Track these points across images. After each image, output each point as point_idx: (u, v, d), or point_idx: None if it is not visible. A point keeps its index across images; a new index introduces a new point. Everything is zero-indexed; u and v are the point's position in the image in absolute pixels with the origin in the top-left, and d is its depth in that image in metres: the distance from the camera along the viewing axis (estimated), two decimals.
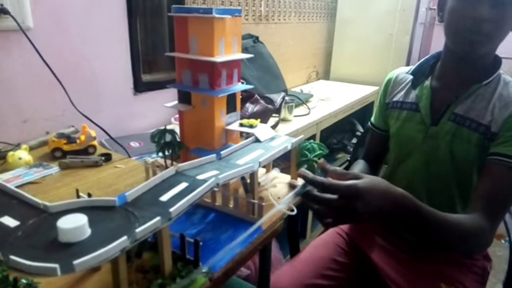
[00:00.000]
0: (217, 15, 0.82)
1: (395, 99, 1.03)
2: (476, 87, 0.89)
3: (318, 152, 0.85)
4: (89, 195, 0.70)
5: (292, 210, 0.73)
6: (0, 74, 1.06)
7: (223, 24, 0.85)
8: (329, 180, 0.63)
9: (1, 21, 1.01)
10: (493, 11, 0.78)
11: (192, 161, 0.70)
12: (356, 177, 0.64)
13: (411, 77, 1.01)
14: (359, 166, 1.07)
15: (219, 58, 0.84)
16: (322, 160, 0.76)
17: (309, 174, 0.65)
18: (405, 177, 1.00)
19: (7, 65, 1.07)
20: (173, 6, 0.87)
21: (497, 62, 0.90)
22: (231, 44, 0.90)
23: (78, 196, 0.71)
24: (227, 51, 0.89)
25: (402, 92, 1.02)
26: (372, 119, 1.13)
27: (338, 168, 0.68)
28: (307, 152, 0.85)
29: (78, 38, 1.23)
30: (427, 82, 0.96)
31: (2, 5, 1.00)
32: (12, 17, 1.01)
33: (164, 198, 0.58)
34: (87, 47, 1.26)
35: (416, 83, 0.99)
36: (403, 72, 1.05)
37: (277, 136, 0.92)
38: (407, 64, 2.64)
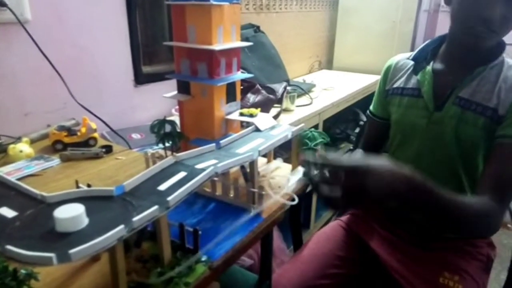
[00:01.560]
0: (214, 3, 0.80)
1: (395, 85, 1.01)
2: (481, 70, 0.87)
3: (319, 140, 0.84)
4: (89, 186, 0.70)
5: (293, 200, 0.73)
6: (1, 67, 1.06)
7: (221, 11, 0.84)
8: (337, 158, 0.61)
9: None
10: (502, 11, 0.76)
11: (191, 151, 0.70)
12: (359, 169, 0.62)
13: (411, 62, 0.99)
14: (357, 155, 1.06)
15: (217, 46, 0.83)
16: (319, 150, 0.74)
17: (314, 157, 0.63)
18: (409, 161, 0.99)
19: (7, 58, 1.06)
20: None
21: (501, 46, 0.89)
22: (229, 32, 0.89)
23: (78, 187, 0.71)
24: (225, 40, 0.88)
25: (403, 78, 1.00)
26: (371, 107, 1.11)
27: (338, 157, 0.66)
28: (308, 141, 0.84)
29: (78, 30, 1.22)
30: (429, 67, 0.94)
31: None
32: (10, 9, 1.00)
33: (163, 187, 0.57)
34: (87, 39, 1.25)
35: (417, 69, 0.97)
36: (404, 57, 1.03)
37: (278, 125, 0.91)
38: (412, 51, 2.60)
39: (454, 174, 0.93)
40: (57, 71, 1.07)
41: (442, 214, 0.68)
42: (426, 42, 1.00)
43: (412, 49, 2.59)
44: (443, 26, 3.11)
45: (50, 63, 1.06)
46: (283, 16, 2.25)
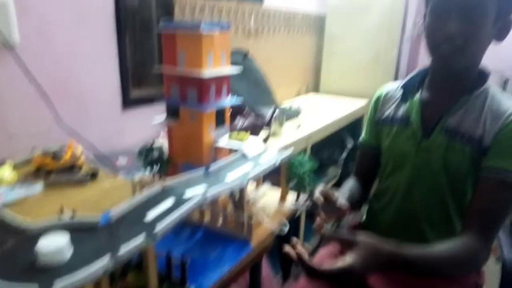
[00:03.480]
0: (205, 31, 0.81)
1: (385, 114, 1.03)
2: (465, 99, 0.89)
3: (308, 166, 0.84)
4: (73, 213, 0.68)
5: (284, 226, 0.72)
6: None
7: (211, 38, 0.85)
8: (322, 268, 0.63)
9: None
10: (462, 26, 0.80)
11: (178, 177, 0.69)
12: (349, 244, 0.67)
13: (400, 92, 1.01)
14: (349, 184, 1.06)
15: (207, 73, 0.84)
16: (318, 222, 0.75)
17: (300, 254, 0.64)
18: (399, 190, 0.99)
19: None
20: (161, 21, 0.87)
21: (484, 74, 0.91)
22: (219, 58, 0.90)
23: (62, 215, 0.69)
24: (215, 66, 0.89)
25: (393, 107, 1.02)
26: (362, 137, 1.12)
27: (332, 234, 0.71)
28: (297, 167, 0.84)
29: (66, 53, 1.21)
30: (417, 96, 0.97)
31: None
32: None
33: (150, 216, 0.56)
34: (75, 62, 1.25)
35: (406, 98, 0.99)
36: (393, 87, 1.06)
37: (266, 151, 0.91)
38: (395, 78, 2.67)
39: (443, 202, 0.94)
40: (44, 94, 1.06)
41: (429, 273, 0.73)
42: (414, 71, 1.03)
43: (396, 76, 2.67)
44: (425, 53, 3.20)
45: (38, 85, 1.05)
46: (271, 41, 2.30)
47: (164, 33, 0.87)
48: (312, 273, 0.63)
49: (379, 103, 1.06)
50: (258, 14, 2.12)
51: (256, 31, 2.13)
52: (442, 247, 0.77)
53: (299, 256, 0.63)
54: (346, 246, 0.68)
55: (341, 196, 0.82)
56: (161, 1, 1.53)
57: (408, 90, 1.00)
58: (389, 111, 1.02)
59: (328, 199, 0.80)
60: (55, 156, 1.01)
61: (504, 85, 2.75)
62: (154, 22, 1.52)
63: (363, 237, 0.68)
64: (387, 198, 1.02)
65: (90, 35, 1.28)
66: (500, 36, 0.85)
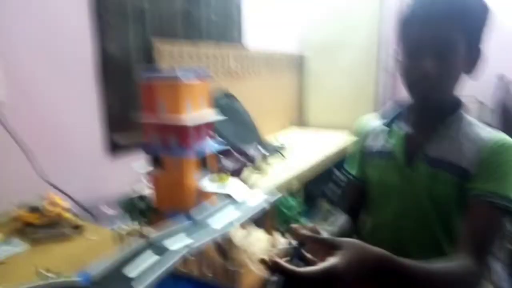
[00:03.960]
0: (184, 79, 0.83)
1: (371, 148, 1.05)
2: (442, 128, 0.92)
3: (296, 209, 0.84)
4: (54, 273, 0.66)
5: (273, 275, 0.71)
6: None
7: (190, 86, 0.87)
8: (302, 270, 0.59)
9: None
10: (436, 63, 0.83)
11: (163, 229, 0.68)
12: (333, 245, 0.61)
13: (381, 124, 1.04)
14: (339, 221, 1.06)
15: (187, 121, 0.85)
16: (295, 225, 0.72)
17: (279, 263, 0.56)
18: (388, 225, 0.99)
19: None
20: (141, 69, 0.89)
21: (458, 102, 0.95)
22: (199, 104, 0.91)
23: (41, 277, 0.67)
24: (196, 111, 0.90)
25: (378, 141, 1.04)
26: (349, 169, 1.13)
27: (314, 235, 0.66)
28: (285, 210, 0.84)
29: (49, 106, 1.22)
30: (398, 127, 0.99)
31: None
32: None
33: (133, 273, 0.55)
34: (58, 114, 1.25)
35: (390, 131, 1.02)
36: (373, 119, 1.08)
37: (252, 194, 0.91)
38: (376, 109, 2.74)
39: (433, 235, 0.94)
40: (27, 151, 1.05)
41: (423, 285, 0.68)
42: (392, 104, 1.06)
43: (376, 108, 2.74)
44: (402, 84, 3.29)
45: (22, 144, 1.04)
46: (253, 81, 2.35)
47: (143, 83, 0.89)
48: (291, 278, 0.55)
49: (365, 138, 1.08)
50: (239, 56, 2.18)
51: (238, 73, 2.18)
52: (438, 264, 0.75)
53: (274, 262, 0.55)
54: (329, 247, 0.60)
55: (327, 232, 0.81)
56: (142, 50, 1.57)
57: (392, 125, 1.03)
58: (375, 146, 1.04)
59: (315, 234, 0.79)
60: (39, 211, 0.98)
61: (480, 108, 2.84)
62: (136, 69, 1.55)
63: (349, 239, 0.63)
64: (377, 237, 1.02)
65: (72, 85, 1.30)
66: (470, 69, 0.89)
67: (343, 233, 0.97)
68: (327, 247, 0.61)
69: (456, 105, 0.94)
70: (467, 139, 0.89)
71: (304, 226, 0.78)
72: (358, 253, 0.60)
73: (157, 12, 1.64)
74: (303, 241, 0.65)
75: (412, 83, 0.89)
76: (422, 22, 0.85)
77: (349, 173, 1.13)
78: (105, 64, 1.40)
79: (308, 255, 0.65)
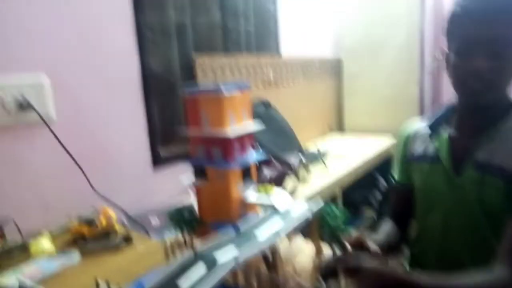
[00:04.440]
0: (226, 94, 0.85)
1: (414, 152, 1.01)
2: (494, 132, 0.87)
3: (341, 218, 0.82)
4: (108, 284, 0.69)
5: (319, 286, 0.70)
6: (24, 166, 1.11)
7: (232, 99, 0.88)
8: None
9: (26, 115, 1.08)
10: (491, 63, 0.79)
11: (210, 241, 0.68)
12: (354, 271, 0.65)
13: (427, 129, 1.00)
14: (385, 227, 1.02)
15: (230, 133, 0.86)
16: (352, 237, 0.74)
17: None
18: (436, 231, 0.95)
19: (30, 156, 1.12)
20: (183, 87, 0.91)
21: (510, 104, 0.89)
22: (241, 116, 0.92)
23: (98, 287, 0.70)
24: (238, 123, 0.91)
25: (422, 145, 1.00)
26: (394, 174, 1.10)
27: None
28: (329, 219, 0.82)
29: (98, 123, 1.29)
30: (445, 133, 0.95)
31: (28, 101, 1.07)
32: (36, 111, 1.08)
33: (183, 285, 0.56)
34: (106, 130, 1.32)
35: (434, 135, 0.98)
36: (419, 125, 1.05)
37: (296, 203, 0.90)
38: (421, 112, 2.64)
39: (484, 240, 0.88)
40: (79, 166, 1.11)
41: None
42: (441, 108, 1.02)
43: (421, 110, 2.63)
44: (449, 88, 3.16)
45: (73, 158, 1.11)
46: (291, 89, 2.35)
47: (187, 98, 0.91)
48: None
49: (407, 141, 1.05)
50: (276, 65, 2.19)
51: (275, 81, 2.19)
52: (472, 278, 0.72)
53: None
54: (350, 275, 0.65)
55: (374, 242, 0.79)
56: (184, 65, 1.62)
57: (435, 127, 0.99)
58: (418, 149, 1.00)
59: (361, 245, 0.77)
60: (90, 223, 1.03)
61: None
62: (178, 84, 1.60)
63: (367, 262, 0.65)
64: (426, 241, 0.98)
65: (120, 102, 1.36)
66: None
67: (389, 242, 0.93)
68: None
69: (508, 107, 0.89)
70: None
71: (350, 238, 0.77)
72: (375, 280, 0.64)
73: (197, 27, 1.68)
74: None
75: (463, 82, 0.85)
76: (476, 20, 0.81)
77: (394, 179, 1.09)
78: (149, 81, 1.46)
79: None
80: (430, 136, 0.99)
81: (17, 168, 1.10)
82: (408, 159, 1.04)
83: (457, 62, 0.86)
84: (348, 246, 0.76)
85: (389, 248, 0.86)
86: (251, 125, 0.95)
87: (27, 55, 1.11)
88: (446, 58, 0.93)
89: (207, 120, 0.89)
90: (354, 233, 0.81)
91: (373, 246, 0.76)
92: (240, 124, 0.92)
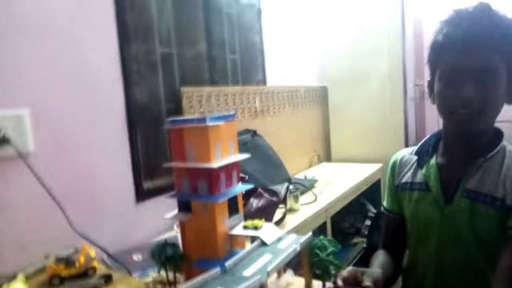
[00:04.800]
0: (210, 124, 0.83)
1: (403, 180, 1.00)
2: (482, 161, 0.87)
3: (331, 249, 0.79)
4: None
5: None
6: None
7: (217, 130, 0.86)
8: None
9: (2, 150, 1.03)
10: (478, 89, 0.79)
11: (192, 281, 0.65)
12: None
13: (415, 157, 1.00)
14: (379, 259, 0.99)
15: (216, 164, 0.83)
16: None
17: None
18: (429, 263, 0.93)
19: (5, 193, 1.06)
20: (168, 119, 0.90)
21: (499, 134, 0.90)
22: (227, 147, 0.91)
23: None
24: (224, 155, 0.89)
25: (409, 173, 0.99)
26: (385, 203, 1.09)
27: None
28: (318, 251, 0.79)
29: (79, 156, 1.25)
30: (433, 161, 0.95)
31: (4, 135, 1.03)
32: (13, 146, 1.04)
33: None
34: (88, 163, 1.28)
35: (421, 163, 0.97)
36: (407, 153, 1.04)
37: (284, 236, 0.87)
38: (406, 140, 2.67)
39: (476, 268, 0.86)
40: (56, 202, 1.06)
41: None
42: (428, 135, 1.02)
43: (406, 138, 2.67)
44: (432, 113, 3.23)
45: (51, 195, 1.06)
46: (277, 118, 2.36)
47: (172, 129, 0.89)
48: None
49: (395, 169, 1.04)
50: (262, 94, 2.20)
51: (262, 112, 2.19)
52: None
53: None
54: None
55: (370, 275, 0.76)
56: (169, 96, 1.61)
57: (422, 155, 0.99)
58: (406, 177, 0.99)
59: (355, 281, 0.74)
60: (68, 262, 0.98)
61: None
62: (163, 115, 1.58)
63: None
64: (420, 272, 0.95)
65: (103, 134, 1.33)
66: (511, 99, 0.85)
67: (386, 275, 0.90)
68: None
69: (497, 137, 0.89)
70: (508, 170, 0.84)
71: (344, 274, 0.74)
72: None
73: (183, 58, 1.69)
74: None
75: (451, 110, 0.85)
76: (460, 50, 0.81)
77: (385, 207, 1.08)
78: (134, 112, 1.44)
79: None
80: (418, 163, 0.99)
81: None
82: (397, 186, 1.02)
83: (442, 90, 0.86)
84: (340, 283, 0.72)
85: (386, 282, 0.83)
86: (237, 156, 0.94)
87: (9, 89, 1.08)
88: (429, 85, 0.93)
89: (192, 151, 0.87)
90: (348, 268, 0.78)
91: (368, 282, 0.73)
92: (226, 155, 0.90)
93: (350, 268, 0.79)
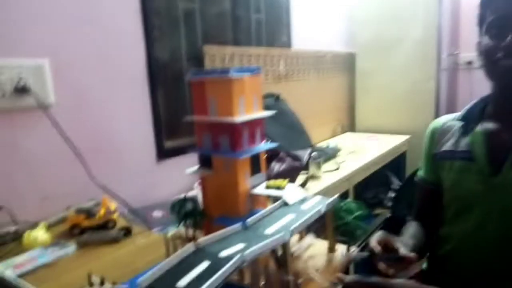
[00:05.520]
0: (235, 76, 0.78)
1: (444, 148, 0.92)
2: None
3: (358, 212, 0.75)
4: (102, 280, 0.62)
5: (336, 284, 0.63)
6: (21, 153, 1.05)
7: (241, 83, 0.81)
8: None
9: (23, 99, 1.02)
10: None
11: (213, 234, 0.62)
12: None
13: (459, 124, 0.92)
14: (411, 230, 0.94)
15: (239, 118, 0.79)
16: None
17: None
18: (466, 235, 0.86)
19: (28, 143, 1.06)
20: (190, 70, 0.85)
21: None
22: (251, 103, 0.86)
23: (90, 283, 0.64)
24: (247, 110, 0.84)
25: (452, 141, 0.91)
26: (420, 172, 1.02)
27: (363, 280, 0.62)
28: (344, 214, 0.75)
29: (100, 110, 1.23)
30: (479, 128, 0.86)
31: (24, 84, 1.01)
32: (34, 95, 1.02)
33: (182, 282, 0.49)
34: (109, 119, 1.26)
35: (467, 130, 0.89)
36: (449, 118, 0.96)
37: (308, 197, 0.83)
38: (436, 111, 2.54)
39: None
40: (77, 154, 1.06)
41: None
42: (474, 101, 0.93)
43: (437, 109, 2.54)
44: (464, 84, 3.08)
45: (72, 146, 1.05)
46: (302, 84, 2.28)
47: (193, 81, 0.85)
48: None
49: (435, 136, 0.96)
50: (287, 57, 2.12)
51: (286, 76, 2.12)
52: None
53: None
54: None
55: (404, 245, 0.71)
56: (191, 54, 1.56)
57: (468, 121, 0.90)
58: (448, 145, 0.91)
59: (388, 248, 0.70)
60: (89, 214, 0.98)
61: None
62: (185, 74, 1.54)
63: (402, 281, 0.59)
64: (452, 245, 0.89)
65: (124, 90, 1.30)
66: None
67: (418, 245, 0.85)
68: None
69: None
70: None
71: (379, 241, 0.70)
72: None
73: (206, 16, 1.62)
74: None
75: (494, 61, 0.77)
76: None
77: (420, 176, 1.01)
78: (155, 69, 1.40)
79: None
80: (463, 130, 0.90)
81: (13, 155, 1.04)
82: (435, 155, 0.95)
83: (488, 43, 0.78)
84: (378, 247, 0.68)
85: (418, 253, 0.78)
86: (261, 112, 0.89)
87: (29, 38, 1.05)
88: (477, 46, 0.85)
89: (214, 105, 0.83)
90: (379, 233, 0.74)
91: (403, 249, 0.69)
92: (250, 111, 0.85)
93: (381, 233, 0.75)
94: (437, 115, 2.53)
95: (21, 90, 1.01)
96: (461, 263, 0.87)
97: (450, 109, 2.71)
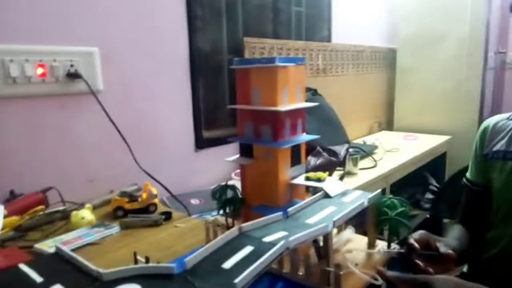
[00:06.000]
0: (280, 64, 0.78)
1: (495, 148, 0.88)
2: None
3: (401, 209, 0.73)
4: (147, 259, 0.65)
5: (376, 279, 0.62)
6: (70, 136, 1.10)
7: (286, 73, 0.81)
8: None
9: (74, 85, 1.07)
10: None
11: (256, 220, 0.62)
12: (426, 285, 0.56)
13: (508, 121, 0.87)
14: (455, 232, 0.91)
15: (282, 107, 0.79)
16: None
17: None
18: None
19: (77, 126, 1.11)
20: (235, 59, 0.86)
21: None
22: (294, 93, 0.86)
23: (136, 261, 0.66)
24: (290, 101, 0.84)
25: (504, 140, 0.87)
26: (468, 174, 0.98)
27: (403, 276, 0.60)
28: (387, 210, 0.74)
29: (144, 98, 1.27)
30: None
31: (76, 70, 1.06)
32: (85, 81, 1.07)
33: (227, 264, 0.50)
34: (152, 107, 1.30)
35: None
36: (502, 118, 0.92)
37: (349, 191, 0.82)
38: (480, 113, 2.43)
39: None
40: (124, 138, 1.09)
41: None
42: None
43: (481, 108, 2.43)
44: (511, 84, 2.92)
45: (118, 131, 1.09)
46: (340, 79, 2.24)
47: (238, 70, 0.86)
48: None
49: (486, 136, 0.92)
50: (326, 51, 2.09)
51: (324, 70, 2.09)
52: None
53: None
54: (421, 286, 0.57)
55: (445, 245, 0.69)
56: (232, 45, 1.57)
57: None
58: (500, 145, 0.87)
59: (428, 246, 0.68)
60: (132, 197, 1.01)
61: None
62: (225, 65, 1.55)
63: (442, 276, 0.58)
64: (498, 249, 0.85)
65: (166, 79, 1.33)
66: None
67: (461, 248, 0.82)
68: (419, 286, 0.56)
69: None
70: None
71: (420, 239, 0.69)
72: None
73: (247, 7, 1.63)
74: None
75: None
76: None
77: (468, 178, 0.97)
78: (197, 59, 1.42)
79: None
80: None
81: (63, 138, 1.10)
82: (486, 156, 0.91)
83: None
84: (414, 244, 0.67)
85: (461, 256, 0.75)
86: (304, 103, 0.88)
87: (81, 28, 1.10)
88: None
89: (257, 94, 0.83)
90: (419, 231, 0.72)
91: (443, 248, 0.67)
92: (293, 101, 0.85)
93: (422, 231, 0.73)
94: (481, 116, 2.42)
95: (73, 75, 1.06)
96: (507, 267, 0.83)
97: (496, 110, 2.58)
